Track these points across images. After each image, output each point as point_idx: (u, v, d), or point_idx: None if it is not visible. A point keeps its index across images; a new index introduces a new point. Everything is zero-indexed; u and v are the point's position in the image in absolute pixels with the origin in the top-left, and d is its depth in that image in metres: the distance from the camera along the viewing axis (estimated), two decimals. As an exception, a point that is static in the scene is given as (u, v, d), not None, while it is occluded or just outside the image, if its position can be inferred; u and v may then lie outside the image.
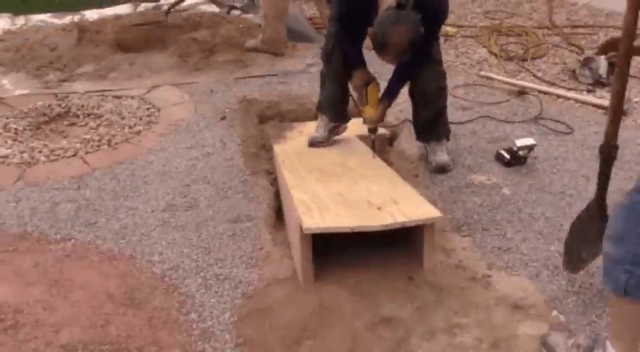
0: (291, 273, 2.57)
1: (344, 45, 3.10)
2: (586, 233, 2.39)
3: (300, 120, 3.98)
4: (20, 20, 5.65)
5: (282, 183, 3.07)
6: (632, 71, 2.93)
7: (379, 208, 2.43)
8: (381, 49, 2.70)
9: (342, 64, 3.17)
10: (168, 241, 2.78)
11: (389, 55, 2.72)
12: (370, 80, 3.09)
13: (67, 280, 2.33)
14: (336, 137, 3.42)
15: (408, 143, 3.56)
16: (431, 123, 3.30)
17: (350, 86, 3.23)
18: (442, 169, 3.23)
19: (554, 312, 2.33)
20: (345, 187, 2.68)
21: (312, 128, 3.77)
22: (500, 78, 4.44)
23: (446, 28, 5.28)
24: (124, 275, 2.56)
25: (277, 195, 3.19)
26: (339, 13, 3.03)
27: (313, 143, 3.34)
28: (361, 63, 3.12)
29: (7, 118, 3.86)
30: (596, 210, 2.37)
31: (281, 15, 4.74)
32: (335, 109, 3.34)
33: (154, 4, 5.83)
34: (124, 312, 2.27)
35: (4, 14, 5.73)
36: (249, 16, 5.67)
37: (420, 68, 3.11)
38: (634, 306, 1.88)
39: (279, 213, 3.10)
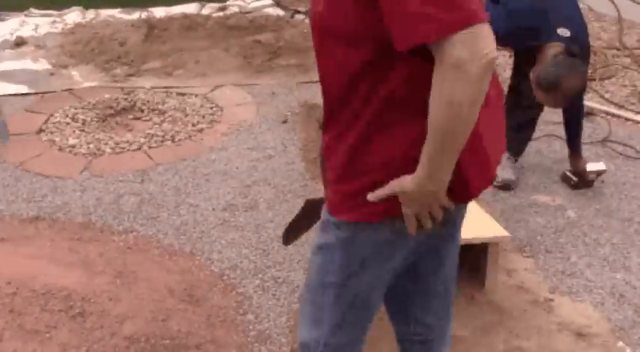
0: (349, 282, 2.56)
1: None
2: None
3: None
4: (90, 14, 5.80)
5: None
6: None
7: (444, 223, 2.39)
8: (549, 91, 2.78)
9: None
10: (228, 240, 2.81)
11: (556, 98, 2.81)
12: None
13: (131, 272, 2.36)
14: None
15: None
16: (518, 129, 3.22)
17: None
18: (506, 186, 3.17)
19: (620, 343, 2.26)
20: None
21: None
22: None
23: (511, 44, 5.19)
24: (184, 271, 2.58)
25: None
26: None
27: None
28: None
29: (76, 109, 3.96)
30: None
31: None
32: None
33: (219, 4, 5.91)
34: (183, 308, 2.29)
35: (75, 8, 5.89)
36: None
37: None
38: None
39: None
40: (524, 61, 3.12)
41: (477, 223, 2.40)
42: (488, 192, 3.19)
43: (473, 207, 2.58)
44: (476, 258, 2.44)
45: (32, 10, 5.93)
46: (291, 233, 2.62)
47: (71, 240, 2.64)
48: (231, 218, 2.95)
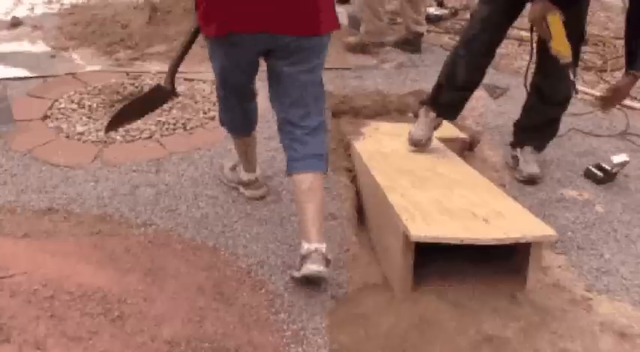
0: (382, 280, 2.49)
1: None
2: None
3: (373, 117, 3.88)
4: (88, -6, 5.60)
5: (366, 183, 2.97)
6: None
7: (486, 220, 2.32)
8: None
9: (482, 56, 3.01)
10: (252, 235, 2.71)
11: None
12: (549, 10, 2.71)
13: (160, 269, 2.26)
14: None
15: (492, 150, 3.45)
16: (541, 127, 3.19)
17: (530, 19, 2.80)
18: (532, 180, 3.11)
19: (664, 344, 2.21)
20: (441, 194, 2.58)
21: (387, 127, 3.68)
22: (581, 88, 4.27)
23: (520, 33, 5.13)
24: (210, 267, 2.49)
25: (357, 193, 3.10)
26: None
27: (416, 143, 3.16)
28: None
29: (81, 94, 3.81)
30: None
31: (383, 4, 4.67)
32: (454, 104, 3.17)
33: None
34: (216, 307, 2.20)
35: (72, -13, 5.68)
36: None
37: None
38: None
39: (359, 212, 3.01)
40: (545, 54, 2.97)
41: (522, 221, 2.33)
42: (513, 186, 3.13)
43: (511, 204, 2.52)
44: (515, 256, 2.37)
45: (26, -12, 5.71)
46: (122, 118, 2.87)
47: (92, 234, 2.52)
48: (253, 211, 2.86)
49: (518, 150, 3.23)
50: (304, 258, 2.29)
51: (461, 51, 3.04)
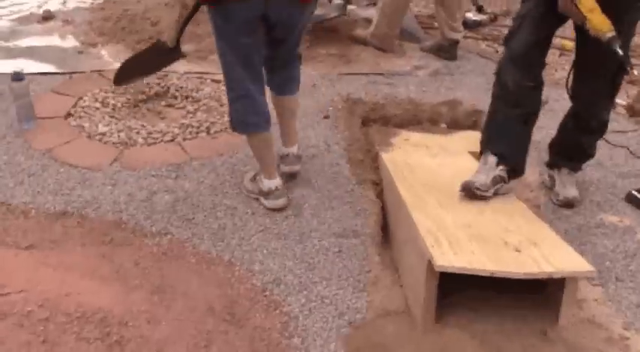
0: (403, 305, 2.35)
1: None
2: None
3: (404, 127, 3.72)
4: (120, -11, 5.54)
5: (392, 199, 2.83)
6: None
7: (518, 250, 2.16)
8: None
9: (526, 57, 2.65)
10: (270, 250, 2.59)
11: None
12: None
13: (169, 286, 2.16)
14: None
15: (528, 168, 3.26)
16: (575, 151, 3.00)
17: (560, 8, 2.52)
18: (569, 204, 2.92)
19: None
20: (472, 217, 2.42)
21: (417, 138, 3.53)
22: (624, 103, 4.06)
23: (563, 41, 4.91)
24: (223, 283, 2.38)
25: (383, 208, 2.96)
26: None
27: (469, 190, 2.61)
28: None
29: (106, 92, 3.74)
30: None
31: (401, 13, 4.46)
32: (511, 133, 2.74)
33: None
34: (225, 330, 2.08)
35: (106, -19, 5.63)
36: (352, 7, 5.42)
37: None
38: None
39: (384, 229, 2.87)
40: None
41: (557, 253, 2.16)
42: (548, 208, 2.95)
43: (546, 232, 2.35)
44: (548, 290, 2.20)
45: (60, -19, 5.69)
46: (127, 74, 3.01)
47: (103, 243, 2.43)
48: (272, 224, 2.73)
49: (555, 170, 3.05)
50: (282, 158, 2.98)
51: (504, 55, 2.80)
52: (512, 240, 2.23)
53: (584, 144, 2.98)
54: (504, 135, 2.75)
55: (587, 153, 3.04)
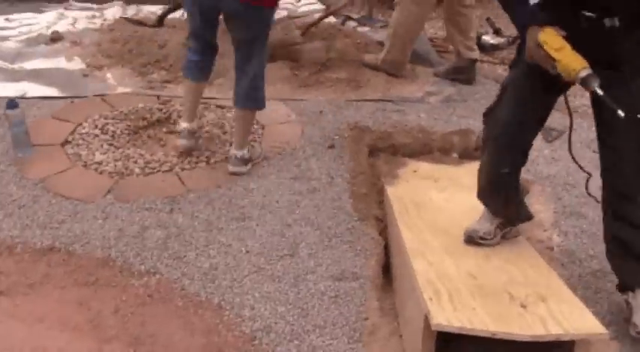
0: (402, 358, 2.19)
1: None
2: None
3: (414, 156, 3.57)
4: (132, 10, 5.50)
5: (395, 237, 2.68)
6: None
7: (523, 306, 1.99)
8: None
9: (505, 139, 2.28)
10: (262, 293, 2.45)
11: None
12: (538, 32, 2.03)
13: (149, 336, 2.03)
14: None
15: (541, 204, 3.09)
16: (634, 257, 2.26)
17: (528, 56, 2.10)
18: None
19: None
20: (477, 265, 2.26)
21: (426, 169, 3.37)
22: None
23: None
24: (210, 330, 2.24)
25: (387, 247, 2.81)
26: None
27: (472, 240, 2.48)
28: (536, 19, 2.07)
29: (106, 119, 3.64)
30: None
31: (413, 37, 4.31)
32: (499, 202, 2.46)
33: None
34: (206, 386, 1.94)
35: (117, 2, 5.60)
36: (365, 29, 5.30)
37: None
38: None
39: (386, 270, 2.72)
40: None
41: (566, 312, 1.99)
42: (563, 250, 2.77)
43: (556, 284, 2.17)
44: (558, 348, 2.03)
45: (72, 2, 5.66)
46: None
47: (85, 285, 2.31)
48: (267, 265, 2.59)
49: (630, 294, 2.33)
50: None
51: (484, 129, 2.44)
52: (518, 293, 2.06)
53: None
54: (491, 190, 2.49)
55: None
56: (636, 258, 2.25)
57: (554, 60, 1.98)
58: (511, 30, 5.45)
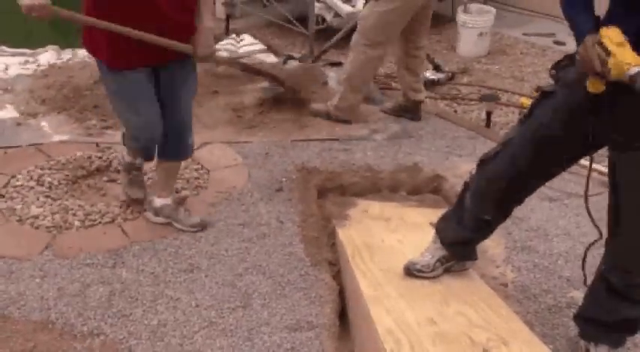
0: (363, 413, 2.10)
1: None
2: None
3: (363, 195, 3.54)
4: (67, 54, 5.32)
5: (350, 284, 2.62)
6: None
7: (486, 350, 1.95)
8: None
9: (496, 194, 2.27)
10: (215, 350, 2.35)
11: None
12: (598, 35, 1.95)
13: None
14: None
15: (492, 240, 3.07)
16: (616, 326, 2.26)
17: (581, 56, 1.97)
18: None
19: None
20: (435, 310, 2.21)
21: (376, 209, 3.34)
22: (588, 165, 3.94)
23: (521, 99, 4.86)
24: (160, 395, 2.10)
25: (341, 292, 2.74)
26: None
27: (411, 272, 2.48)
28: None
29: (42, 169, 3.47)
30: None
31: (367, 83, 4.27)
32: (461, 239, 2.45)
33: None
34: None
35: (51, 47, 5.42)
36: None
37: None
38: None
39: (342, 315, 2.64)
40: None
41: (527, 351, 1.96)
42: (517, 287, 2.76)
43: (515, 325, 2.15)
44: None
45: (4, 48, 5.46)
46: None
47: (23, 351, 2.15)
48: (218, 318, 2.48)
49: (592, 345, 2.32)
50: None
51: (476, 174, 2.36)
52: (479, 337, 2.03)
53: (628, 314, 2.23)
54: (454, 242, 2.48)
55: (634, 327, 2.30)
56: (606, 326, 2.27)
57: (608, 54, 1.89)
58: (449, 66, 5.57)
